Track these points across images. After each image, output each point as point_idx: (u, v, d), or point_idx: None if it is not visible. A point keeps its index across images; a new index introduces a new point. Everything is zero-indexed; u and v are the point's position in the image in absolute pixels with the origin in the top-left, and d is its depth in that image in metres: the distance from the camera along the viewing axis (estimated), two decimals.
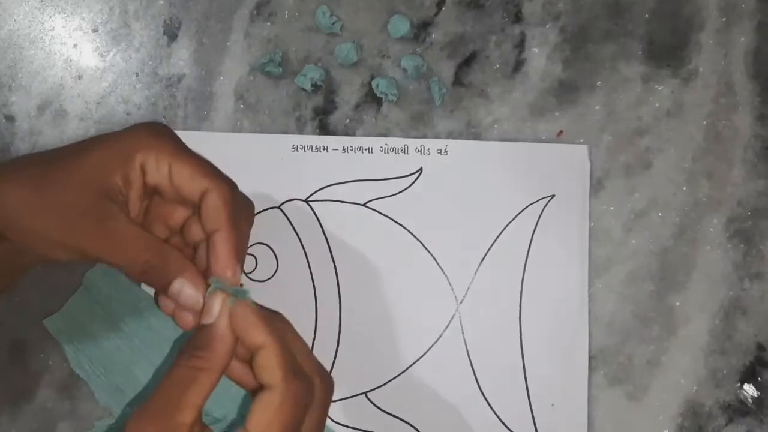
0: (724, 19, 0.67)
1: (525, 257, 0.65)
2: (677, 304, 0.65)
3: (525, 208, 0.65)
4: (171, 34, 0.67)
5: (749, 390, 0.65)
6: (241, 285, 0.49)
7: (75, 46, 0.67)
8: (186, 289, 0.48)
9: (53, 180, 0.47)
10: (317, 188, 0.65)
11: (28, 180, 0.47)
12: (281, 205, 0.65)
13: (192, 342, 0.47)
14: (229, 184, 0.50)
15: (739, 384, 0.65)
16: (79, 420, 0.64)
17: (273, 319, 0.49)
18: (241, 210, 0.51)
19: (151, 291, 0.64)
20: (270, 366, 0.46)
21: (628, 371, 0.65)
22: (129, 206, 0.50)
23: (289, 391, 0.46)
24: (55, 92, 0.66)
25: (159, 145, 0.49)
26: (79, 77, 0.67)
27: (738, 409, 0.65)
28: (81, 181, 0.48)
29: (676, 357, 0.65)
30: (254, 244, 0.65)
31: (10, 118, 0.66)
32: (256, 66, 0.66)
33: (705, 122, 0.66)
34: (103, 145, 0.49)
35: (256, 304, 0.48)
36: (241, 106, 0.66)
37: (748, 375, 0.65)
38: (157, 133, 0.50)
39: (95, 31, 0.67)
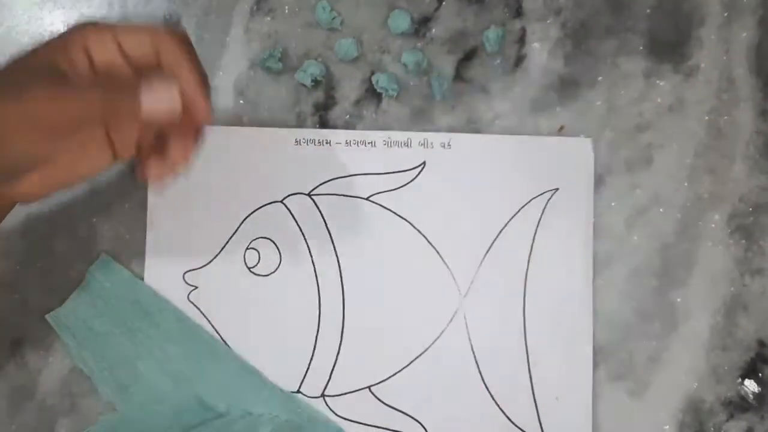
0: (725, 15, 0.67)
1: (529, 250, 0.65)
2: (678, 300, 0.65)
3: (529, 202, 0.65)
4: None
5: (750, 386, 0.65)
6: None
7: None
8: (159, 85, 0.48)
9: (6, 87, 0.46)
10: (320, 182, 0.65)
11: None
12: (284, 199, 0.65)
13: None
14: (181, 33, 0.51)
15: (740, 380, 0.65)
16: (79, 417, 0.64)
17: None
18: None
19: (153, 287, 0.64)
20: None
21: (629, 367, 0.65)
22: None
23: None
24: None
25: (101, 27, 0.49)
26: None
27: (739, 405, 0.65)
28: (31, 62, 0.47)
29: (678, 353, 0.65)
30: (257, 239, 0.65)
31: None
32: (256, 61, 0.66)
33: (706, 118, 0.66)
34: (50, 41, 0.48)
35: None
36: (241, 101, 0.66)
37: (749, 371, 0.65)
38: (94, 22, 0.50)
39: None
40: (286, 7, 0.67)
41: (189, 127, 0.52)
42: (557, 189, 0.65)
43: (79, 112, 0.46)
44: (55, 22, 0.67)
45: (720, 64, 0.66)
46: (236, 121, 0.66)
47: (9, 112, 0.45)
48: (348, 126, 0.66)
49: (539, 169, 0.65)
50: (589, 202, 0.65)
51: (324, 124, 0.66)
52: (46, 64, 0.47)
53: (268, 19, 0.67)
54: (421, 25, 0.67)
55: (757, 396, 0.65)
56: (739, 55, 0.66)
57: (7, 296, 0.64)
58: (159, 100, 0.48)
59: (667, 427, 0.65)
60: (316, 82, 0.66)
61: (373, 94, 0.66)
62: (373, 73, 0.66)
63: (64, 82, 0.47)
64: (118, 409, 0.64)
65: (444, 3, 0.67)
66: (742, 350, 0.65)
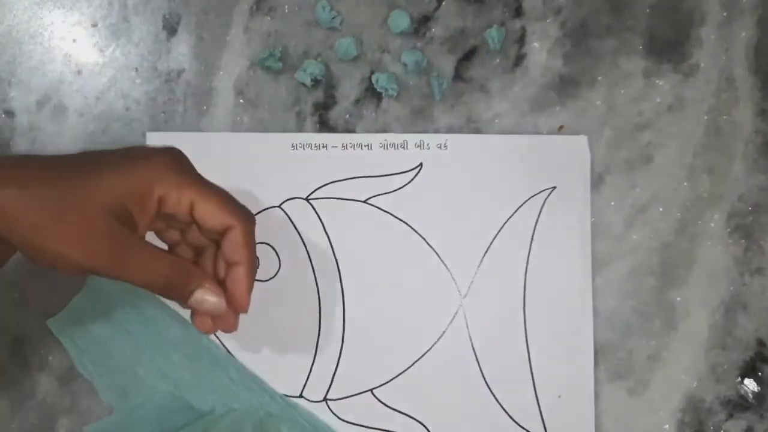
0: (725, 14, 0.66)
1: (528, 249, 0.65)
2: (678, 299, 0.65)
3: (526, 201, 0.65)
4: (170, 28, 0.67)
5: (750, 385, 0.65)
6: None
7: (74, 41, 0.67)
8: (208, 297, 0.52)
9: (65, 200, 0.47)
10: (317, 186, 0.65)
11: (37, 200, 0.47)
12: (282, 204, 0.65)
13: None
14: (250, 219, 0.53)
15: (739, 379, 0.65)
16: (79, 415, 0.64)
17: None
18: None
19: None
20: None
21: (628, 366, 0.65)
22: (138, 230, 0.50)
23: None
24: (55, 87, 0.66)
25: (180, 183, 0.51)
26: (79, 72, 0.66)
27: (738, 404, 0.65)
28: (93, 203, 0.48)
29: (677, 352, 0.65)
30: (256, 244, 0.65)
31: (9, 113, 0.66)
32: (256, 61, 0.66)
33: (706, 117, 0.66)
34: (121, 173, 0.49)
35: None
36: (241, 101, 0.66)
37: (749, 370, 0.65)
38: (178, 168, 0.51)
39: (94, 26, 0.67)
40: (286, 7, 0.67)
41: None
42: (554, 187, 0.65)
43: (133, 277, 0.49)
44: (55, 22, 0.67)
45: (719, 64, 0.66)
46: (236, 120, 0.66)
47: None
48: (348, 125, 0.66)
49: (536, 168, 0.65)
50: (586, 199, 0.65)
51: (324, 123, 0.66)
52: (114, 204, 0.48)
53: (268, 18, 0.67)
54: (421, 24, 0.67)
55: (757, 395, 0.65)
56: (739, 54, 0.66)
57: (8, 295, 0.65)
58: (205, 306, 0.52)
59: (667, 426, 0.65)
60: (315, 82, 0.66)
61: (372, 94, 0.66)
62: (372, 72, 0.66)
63: (128, 240, 0.49)
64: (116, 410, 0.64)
65: (444, 2, 0.67)
66: (741, 349, 0.65)
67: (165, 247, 0.56)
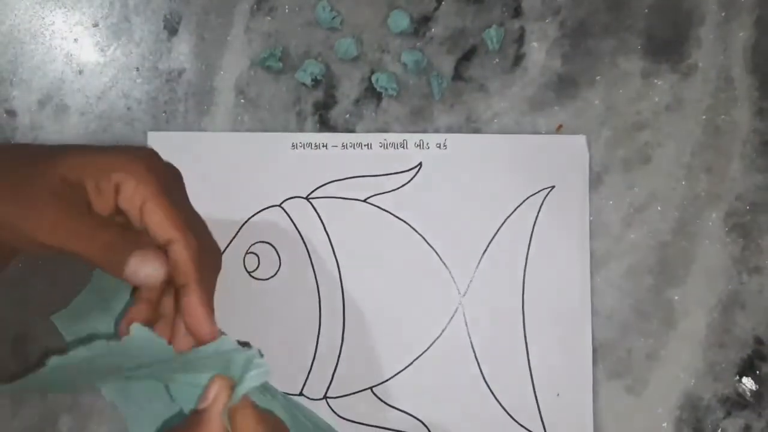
0: (723, 14, 0.67)
1: (526, 248, 0.65)
2: (676, 298, 0.65)
3: (525, 200, 0.66)
4: (171, 28, 0.67)
5: (747, 383, 0.65)
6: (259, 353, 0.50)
7: (75, 40, 0.67)
8: (141, 267, 0.48)
9: (25, 172, 0.47)
10: (318, 185, 0.65)
11: (5, 171, 0.47)
12: (282, 203, 0.65)
13: (183, 427, 0.49)
14: (198, 239, 0.50)
15: (737, 377, 0.65)
16: (81, 413, 0.64)
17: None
18: (208, 259, 0.51)
19: None
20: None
21: (627, 365, 0.65)
22: (93, 209, 0.49)
23: None
24: (56, 87, 0.66)
25: (142, 178, 0.49)
26: (80, 72, 0.67)
27: (736, 403, 0.65)
28: (49, 175, 0.47)
29: (675, 351, 0.65)
30: (256, 243, 0.65)
31: (11, 113, 0.66)
32: (257, 61, 0.66)
33: (704, 117, 0.66)
34: (86, 154, 0.49)
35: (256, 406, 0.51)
36: (242, 100, 0.66)
37: (747, 368, 0.65)
38: (147, 165, 0.49)
39: (96, 25, 0.67)
40: (287, 7, 0.67)
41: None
42: (553, 187, 0.66)
43: (69, 242, 0.47)
44: (56, 21, 0.67)
45: (717, 64, 0.66)
46: (237, 120, 0.66)
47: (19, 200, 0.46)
48: (348, 125, 0.66)
49: (535, 168, 0.66)
50: (584, 198, 0.66)
51: (324, 123, 0.66)
52: (72, 175, 0.48)
53: (269, 18, 0.67)
54: (421, 24, 0.67)
55: (755, 393, 0.65)
56: (737, 54, 0.66)
57: (9, 293, 0.65)
58: (140, 277, 0.48)
59: (665, 424, 0.65)
60: (316, 82, 0.66)
61: (372, 94, 0.66)
62: (372, 72, 0.66)
63: (73, 207, 0.47)
64: (119, 409, 0.64)
65: (443, 2, 0.67)
66: (739, 348, 0.65)
67: None
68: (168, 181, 0.51)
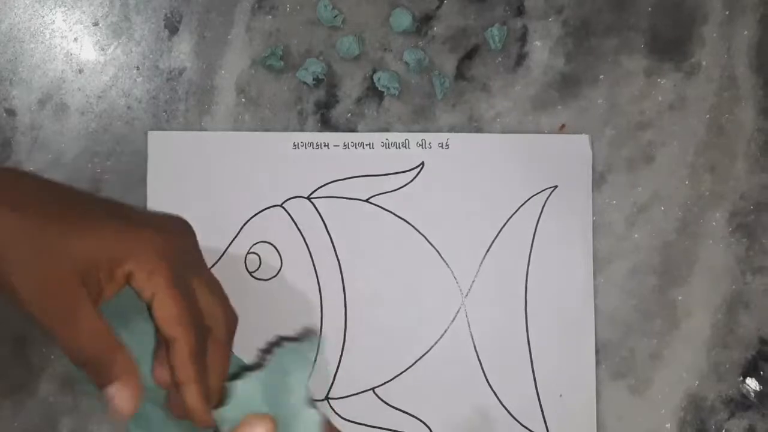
0: (727, 13, 0.66)
1: (529, 248, 0.65)
2: (680, 298, 0.65)
3: (528, 200, 0.65)
4: (172, 27, 0.67)
5: (751, 384, 0.65)
6: None
7: (76, 39, 0.67)
8: (121, 395, 0.48)
9: (47, 246, 0.47)
10: (319, 185, 0.65)
11: (27, 234, 0.47)
12: (284, 203, 0.65)
13: None
14: (197, 335, 0.50)
15: (741, 378, 0.65)
16: (81, 415, 0.64)
17: None
18: (227, 325, 0.52)
19: None
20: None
21: (630, 365, 0.65)
22: (101, 296, 0.49)
23: None
24: (56, 86, 0.66)
25: (155, 269, 0.48)
26: (80, 71, 0.66)
27: (740, 403, 0.65)
28: (69, 262, 0.47)
29: (679, 351, 0.65)
30: (257, 243, 0.65)
31: (11, 112, 0.66)
32: (258, 60, 0.66)
33: (708, 116, 0.66)
34: (107, 235, 0.48)
35: None
36: (243, 99, 0.66)
37: (751, 369, 0.65)
38: (161, 251, 0.49)
39: (96, 24, 0.67)
40: (288, 5, 0.67)
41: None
42: (556, 186, 0.65)
43: (63, 340, 0.47)
44: (56, 20, 0.67)
45: (721, 63, 0.66)
46: (237, 119, 0.66)
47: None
48: (349, 124, 0.66)
49: (537, 167, 0.66)
50: (587, 198, 0.65)
51: (325, 122, 0.66)
52: (85, 264, 0.47)
53: (270, 17, 0.67)
54: (423, 23, 0.66)
55: (759, 394, 0.65)
56: (741, 53, 0.66)
57: None
58: (114, 403, 0.48)
59: (669, 425, 0.65)
60: (317, 81, 0.66)
61: (374, 93, 0.66)
62: (374, 71, 0.66)
63: (79, 305, 0.47)
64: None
65: (445, 1, 0.66)
66: (743, 348, 0.65)
67: None
68: (181, 260, 0.50)
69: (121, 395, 0.48)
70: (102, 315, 0.48)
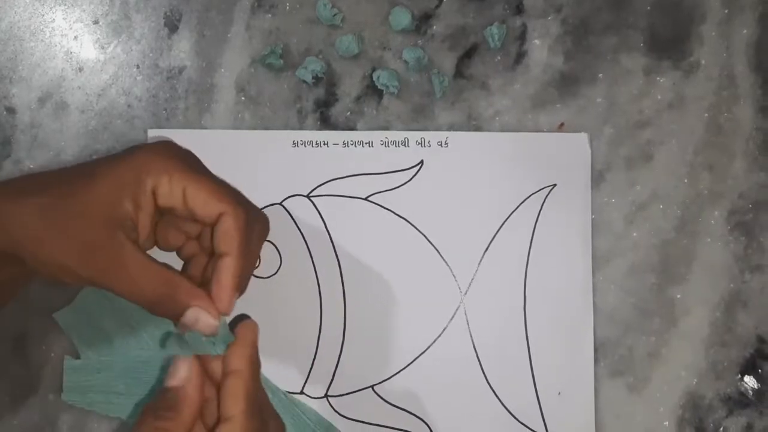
0: (726, 11, 0.66)
1: (528, 247, 0.65)
2: (678, 296, 0.65)
3: (527, 198, 0.66)
4: (172, 25, 0.67)
5: (749, 382, 0.65)
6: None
7: (75, 38, 0.67)
8: (201, 317, 0.49)
9: (64, 212, 0.48)
10: (319, 183, 0.65)
11: (40, 210, 0.48)
12: (283, 201, 0.65)
13: (158, 402, 0.48)
14: (245, 208, 0.50)
15: (739, 376, 0.65)
16: (82, 413, 0.64)
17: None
18: (254, 229, 0.51)
19: None
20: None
21: (629, 363, 0.65)
22: (139, 228, 0.50)
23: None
24: (56, 84, 0.66)
25: (172, 168, 0.49)
26: (80, 69, 0.66)
27: (738, 401, 0.65)
28: (92, 214, 0.48)
29: (677, 349, 0.65)
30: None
31: (11, 110, 0.66)
32: (257, 58, 0.66)
33: (706, 114, 0.66)
34: (112, 173, 0.49)
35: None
36: (242, 98, 0.66)
37: (749, 367, 0.65)
38: (168, 155, 0.50)
39: (96, 23, 0.67)
40: (287, 4, 0.67)
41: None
42: (555, 185, 0.65)
43: (123, 289, 0.48)
44: (56, 19, 0.67)
45: (720, 61, 0.66)
46: (237, 118, 0.66)
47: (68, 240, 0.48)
48: (349, 122, 0.66)
49: (536, 166, 0.66)
50: (586, 197, 0.65)
51: (325, 121, 0.66)
52: (108, 208, 0.48)
53: (269, 15, 0.67)
54: (422, 21, 0.67)
55: (757, 392, 0.65)
56: (740, 52, 0.66)
57: None
58: (199, 326, 0.49)
59: (667, 422, 0.65)
60: (317, 79, 0.66)
61: (374, 91, 0.66)
62: (374, 69, 0.66)
63: (121, 250, 0.48)
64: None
65: (444, 0, 0.67)
66: (741, 346, 0.65)
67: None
68: (194, 162, 0.51)
69: (201, 319, 0.49)
70: (148, 254, 0.49)
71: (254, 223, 0.51)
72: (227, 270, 0.50)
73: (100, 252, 0.48)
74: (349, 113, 0.66)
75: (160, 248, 0.54)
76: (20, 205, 0.48)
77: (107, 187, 0.48)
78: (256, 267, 0.63)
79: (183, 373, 0.49)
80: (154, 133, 0.65)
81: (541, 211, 0.65)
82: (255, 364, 0.50)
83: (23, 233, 0.48)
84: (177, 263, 0.54)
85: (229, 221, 0.49)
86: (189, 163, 0.51)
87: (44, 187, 0.49)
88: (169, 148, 0.51)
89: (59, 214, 0.48)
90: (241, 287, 0.51)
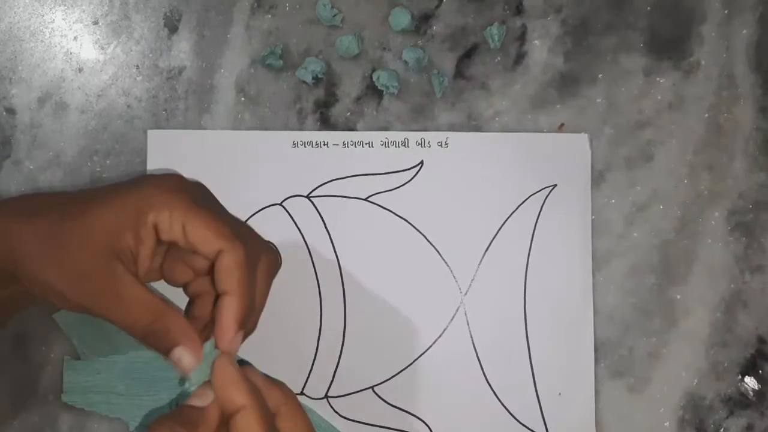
0: (726, 12, 0.66)
1: (528, 247, 0.65)
2: (678, 296, 0.65)
3: (527, 199, 0.65)
4: (171, 26, 0.67)
5: (750, 383, 0.65)
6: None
7: (75, 38, 0.67)
8: (185, 357, 0.48)
9: (64, 237, 0.48)
10: (319, 184, 0.65)
11: (40, 233, 0.48)
12: (283, 201, 0.65)
13: (176, 417, 0.48)
14: (245, 242, 0.50)
15: (739, 377, 0.65)
16: (82, 413, 0.64)
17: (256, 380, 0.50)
18: (259, 265, 0.51)
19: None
20: (248, 428, 0.47)
21: (629, 364, 0.65)
22: (139, 262, 0.49)
23: None
24: (56, 85, 0.66)
25: (174, 203, 0.49)
26: (80, 70, 0.66)
27: (739, 402, 0.65)
28: (91, 242, 0.48)
29: (677, 350, 0.65)
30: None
31: (10, 111, 0.66)
32: (257, 58, 0.66)
33: (706, 115, 0.66)
34: (116, 202, 0.49)
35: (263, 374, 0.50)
36: (242, 98, 0.66)
37: (749, 368, 0.65)
38: (170, 189, 0.50)
39: (95, 23, 0.67)
40: (287, 4, 0.67)
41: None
42: (555, 185, 0.65)
43: (116, 318, 0.48)
44: (56, 19, 0.67)
45: (720, 61, 0.66)
46: (237, 118, 0.66)
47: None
48: (349, 123, 0.66)
49: (536, 166, 0.66)
50: (586, 197, 0.65)
51: (325, 121, 0.66)
52: (109, 239, 0.48)
53: (269, 16, 0.67)
54: (422, 22, 0.67)
55: (757, 393, 0.65)
56: (740, 52, 0.66)
57: None
58: (182, 365, 0.49)
59: (667, 423, 0.65)
60: (316, 80, 0.66)
61: (373, 91, 0.66)
62: (374, 70, 0.66)
63: (117, 280, 0.48)
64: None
65: (444, 0, 0.67)
66: (741, 347, 0.65)
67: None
68: (199, 196, 0.51)
69: (185, 358, 0.48)
70: (144, 285, 0.49)
71: (258, 258, 0.51)
72: (228, 309, 0.49)
73: (94, 279, 0.47)
74: (349, 114, 0.66)
75: (167, 282, 0.54)
76: (21, 224, 0.48)
77: (109, 215, 0.48)
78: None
79: (209, 395, 0.48)
80: (153, 134, 0.65)
81: (541, 211, 0.65)
82: (260, 399, 0.49)
83: (21, 252, 0.48)
84: (184, 300, 0.54)
85: (227, 258, 0.49)
86: (194, 197, 0.50)
87: (47, 208, 0.50)
88: (175, 182, 0.51)
89: (58, 237, 0.48)
90: (245, 325, 0.50)
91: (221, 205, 0.52)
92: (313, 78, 0.65)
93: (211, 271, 0.51)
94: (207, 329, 0.51)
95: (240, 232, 0.50)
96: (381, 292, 0.65)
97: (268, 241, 0.53)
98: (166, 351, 0.48)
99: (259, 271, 0.51)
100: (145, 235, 0.49)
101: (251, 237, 0.52)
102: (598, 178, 0.66)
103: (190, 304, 0.54)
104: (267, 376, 0.50)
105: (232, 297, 0.49)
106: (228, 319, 0.49)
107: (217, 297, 0.50)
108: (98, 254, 0.47)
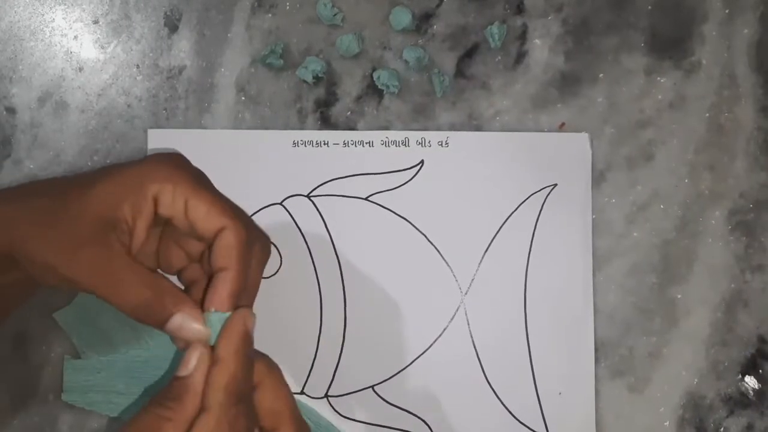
0: (727, 11, 0.66)
1: (528, 247, 0.65)
2: (679, 296, 0.65)
3: (527, 198, 0.65)
4: (172, 25, 0.67)
5: (750, 382, 0.65)
6: None
7: (75, 37, 0.67)
8: (186, 323, 0.48)
9: (60, 211, 0.48)
10: (319, 183, 0.65)
11: (39, 209, 0.48)
12: (283, 201, 0.65)
13: (164, 391, 0.47)
14: (245, 224, 0.50)
15: (740, 376, 0.65)
16: (82, 413, 0.64)
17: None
18: (254, 250, 0.51)
19: None
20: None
21: (629, 363, 0.65)
22: (134, 234, 0.49)
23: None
24: (56, 84, 0.66)
25: (177, 178, 0.49)
26: (80, 69, 0.66)
27: (739, 402, 0.65)
28: (87, 212, 0.48)
29: (678, 349, 0.65)
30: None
31: (10, 110, 0.66)
32: (257, 58, 0.66)
33: (707, 114, 0.66)
34: (117, 175, 0.49)
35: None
36: (242, 98, 0.66)
37: (750, 367, 0.65)
38: (176, 165, 0.50)
39: (96, 22, 0.67)
40: (288, 4, 0.67)
41: None
42: (555, 185, 0.65)
43: (105, 291, 0.48)
44: (56, 18, 0.67)
45: (721, 61, 0.66)
46: (237, 117, 0.66)
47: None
48: (349, 122, 0.66)
49: (537, 166, 0.66)
50: (587, 197, 0.65)
51: (325, 120, 0.66)
52: (104, 208, 0.48)
53: (270, 15, 0.67)
54: (423, 21, 0.66)
55: (758, 392, 0.65)
56: (740, 51, 0.66)
57: None
58: (184, 333, 0.48)
59: (668, 423, 0.65)
60: (317, 79, 0.66)
61: (374, 91, 0.66)
62: (374, 69, 0.66)
63: (109, 251, 0.48)
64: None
65: (445, 0, 0.67)
66: (742, 346, 0.65)
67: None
68: (201, 177, 0.51)
69: (185, 326, 0.48)
70: (137, 260, 0.49)
71: (254, 243, 0.51)
72: (224, 283, 0.49)
73: (87, 250, 0.47)
74: (349, 113, 0.66)
75: (162, 269, 0.53)
76: (21, 203, 0.48)
77: (107, 188, 0.48)
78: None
79: (191, 363, 0.48)
80: (153, 133, 0.65)
81: (542, 211, 0.65)
82: (241, 355, 0.48)
83: (18, 231, 0.48)
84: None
85: (229, 235, 0.49)
86: (196, 176, 0.50)
87: (49, 188, 0.50)
88: (178, 159, 0.51)
89: (56, 210, 0.48)
90: (237, 299, 0.49)
91: (219, 192, 0.52)
92: (313, 77, 0.65)
93: (202, 257, 0.52)
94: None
95: (240, 213, 0.51)
96: (381, 292, 0.65)
97: (262, 230, 0.53)
98: (161, 323, 0.48)
99: (254, 255, 0.51)
100: (144, 207, 0.49)
101: (249, 222, 0.52)
102: (598, 178, 0.66)
103: (184, 292, 0.54)
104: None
105: (229, 272, 0.49)
106: (223, 291, 0.48)
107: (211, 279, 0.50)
108: (93, 224, 0.47)
